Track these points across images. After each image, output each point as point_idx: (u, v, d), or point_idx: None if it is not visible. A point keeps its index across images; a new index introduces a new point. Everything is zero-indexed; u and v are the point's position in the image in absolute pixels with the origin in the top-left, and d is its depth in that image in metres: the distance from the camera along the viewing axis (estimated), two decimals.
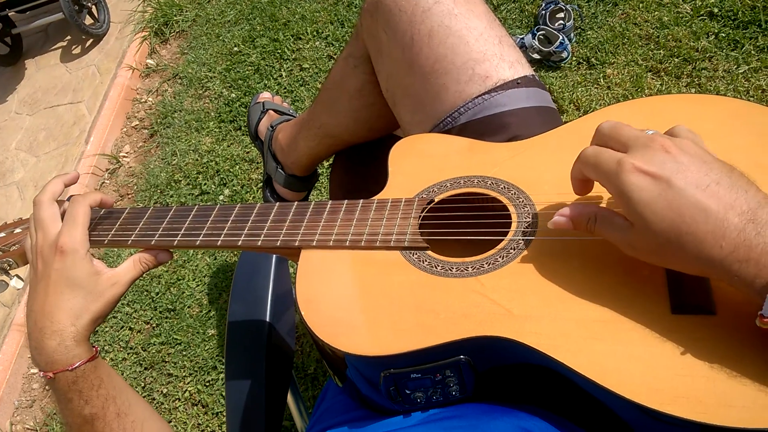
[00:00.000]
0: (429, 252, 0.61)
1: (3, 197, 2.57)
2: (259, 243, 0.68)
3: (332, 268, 0.63)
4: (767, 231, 0.41)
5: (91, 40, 3.00)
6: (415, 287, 0.58)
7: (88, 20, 2.93)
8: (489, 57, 0.77)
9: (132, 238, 0.73)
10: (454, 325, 0.53)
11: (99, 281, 0.66)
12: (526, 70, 0.79)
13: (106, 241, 0.74)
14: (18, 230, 0.82)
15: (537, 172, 0.65)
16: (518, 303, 0.53)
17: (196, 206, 0.75)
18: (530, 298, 0.53)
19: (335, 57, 2.28)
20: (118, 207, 0.78)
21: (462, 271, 0.58)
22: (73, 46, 3.06)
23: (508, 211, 0.62)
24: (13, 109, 2.93)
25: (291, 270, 1.14)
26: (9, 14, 2.95)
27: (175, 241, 0.71)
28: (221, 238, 0.70)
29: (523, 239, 0.59)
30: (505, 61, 0.77)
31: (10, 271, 0.80)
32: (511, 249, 0.58)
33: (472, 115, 0.77)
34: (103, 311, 0.66)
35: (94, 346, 0.66)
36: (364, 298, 0.59)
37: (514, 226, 0.60)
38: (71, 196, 0.75)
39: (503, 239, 0.60)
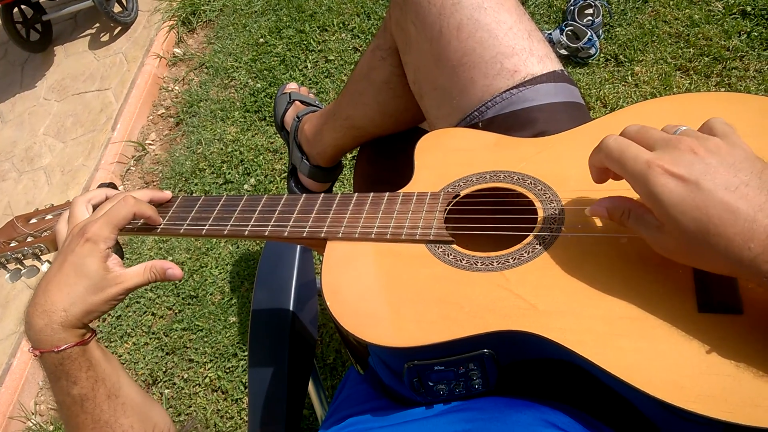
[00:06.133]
0: (454, 246, 0.62)
1: (31, 182, 2.61)
2: (286, 233, 0.69)
3: (358, 260, 0.64)
4: None
5: (119, 28, 3.04)
6: (440, 280, 0.58)
7: (117, 8, 2.95)
8: (518, 51, 0.77)
9: (161, 227, 0.75)
10: (478, 318, 0.54)
11: (105, 277, 0.65)
12: (555, 65, 0.79)
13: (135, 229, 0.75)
14: (49, 216, 0.83)
15: (564, 168, 0.65)
16: (543, 298, 0.53)
17: (224, 196, 0.76)
18: (555, 294, 0.53)
19: (361, 49, 2.28)
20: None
21: (487, 265, 0.58)
22: (102, 34, 3.10)
23: (534, 206, 0.62)
24: (41, 95, 2.98)
25: (315, 259, 1.14)
26: (40, 1, 3.00)
27: (204, 230, 0.73)
28: (248, 228, 0.71)
29: (548, 235, 0.59)
30: (534, 55, 0.77)
31: (41, 257, 0.81)
32: (537, 244, 0.58)
33: (500, 109, 0.77)
34: (99, 306, 0.65)
35: (91, 331, 0.65)
36: (389, 289, 0.60)
37: (540, 221, 0.61)
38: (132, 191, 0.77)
39: (529, 234, 0.60)
